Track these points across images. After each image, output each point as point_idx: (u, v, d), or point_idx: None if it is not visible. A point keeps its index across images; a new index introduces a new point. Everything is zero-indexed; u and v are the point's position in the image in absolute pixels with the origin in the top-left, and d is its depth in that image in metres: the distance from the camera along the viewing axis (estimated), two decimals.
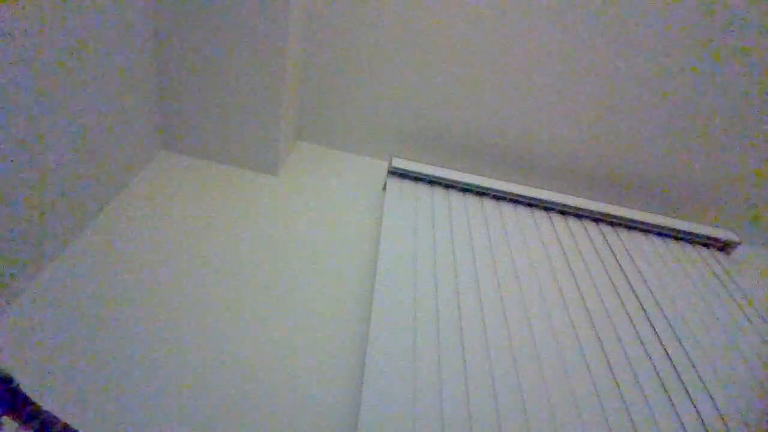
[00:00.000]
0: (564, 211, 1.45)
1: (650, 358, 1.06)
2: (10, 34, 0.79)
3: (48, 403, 0.77)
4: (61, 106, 0.96)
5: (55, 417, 0.56)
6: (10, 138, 0.86)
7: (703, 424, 0.94)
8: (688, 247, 1.45)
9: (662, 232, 1.46)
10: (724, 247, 1.48)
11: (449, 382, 0.90)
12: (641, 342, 1.09)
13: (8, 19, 0.79)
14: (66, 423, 0.57)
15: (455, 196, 1.41)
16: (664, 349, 1.08)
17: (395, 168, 1.41)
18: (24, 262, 0.96)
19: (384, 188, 1.49)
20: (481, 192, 1.43)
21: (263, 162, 1.45)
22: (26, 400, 0.54)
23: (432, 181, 1.43)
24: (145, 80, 1.27)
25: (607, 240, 1.39)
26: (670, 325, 1.15)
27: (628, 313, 1.16)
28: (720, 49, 1.35)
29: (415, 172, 1.41)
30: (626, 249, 1.37)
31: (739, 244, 1.47)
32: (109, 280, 1.05)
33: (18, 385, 0.53)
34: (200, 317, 1.02)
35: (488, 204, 1.41)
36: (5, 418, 0.53)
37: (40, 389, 0.83)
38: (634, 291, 1.23)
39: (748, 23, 1.30)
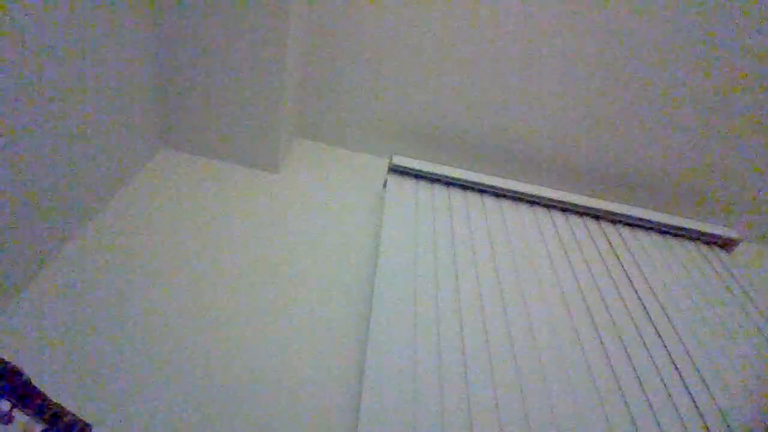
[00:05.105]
0: (565, 209, 1.45)
1: (650, 354, 1.06)
2: (11, 34, 0.80)
3: (50, 397, 0.78)
4: (61, 104, 0.97)
5: (64, 408, 0.57)
6: (11, 137, 0.86)
7: (703, 420, 0.95)
8: (689, 244, 1.45)
9: (663, 229, 1.47)
10: (725, 244, 1.48)
11: (449, 381, 0.91)
12: (642, 338, 1.10)
13: (9, 19, 0.80)
14: (75, 414, 0.57)
15: (456, 194, 1.41)
16: (665, 346, 1.09)
17: (396, 165, 1.41)
18: (25, 260, 0.96)
19: (385, 186, 1.49)
20: (481, 189, 1.44)
21: (263, 159, 1.45)
22: (36, 393, 0.54)
23: (433, 179, 1.44)
24: (145, 78, 1.27)
25: (608, 237, 1.40)
26: (671, 322, 1.15)
27: (628, 310, 1.16)
28: (721, 47, 1.36)
29: (416, 170, 1.42)
30: (627, 246, 1.38)
31: (740, 241, 1.48)
32: (110, 277, 1.05)
33: (28, 378, 0.54)
34: (200, 314, 1.03)
35: (489, 201, 1.41)
36: (16, 411, 0.54)
37: (42, 384, 0.84)
38: (634, 288, 1.24)
39: (749, 22, 1.31)
